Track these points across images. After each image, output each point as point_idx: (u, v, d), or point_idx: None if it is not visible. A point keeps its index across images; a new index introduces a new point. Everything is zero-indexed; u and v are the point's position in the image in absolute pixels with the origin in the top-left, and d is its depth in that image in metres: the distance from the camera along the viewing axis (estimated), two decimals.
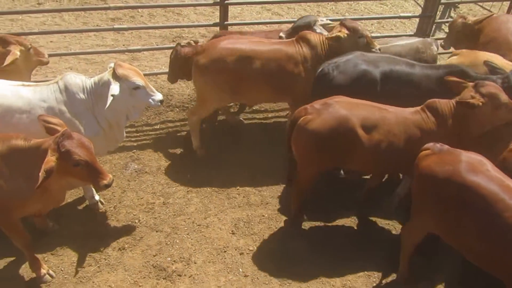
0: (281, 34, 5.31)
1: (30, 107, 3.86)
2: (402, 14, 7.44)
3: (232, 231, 4.51)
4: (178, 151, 5.55)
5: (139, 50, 6.76)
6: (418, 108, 4.06)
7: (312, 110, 3.98)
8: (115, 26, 6.30)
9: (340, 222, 4.70)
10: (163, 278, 3.98)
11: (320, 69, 4.60)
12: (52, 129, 3.33)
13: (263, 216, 4.72)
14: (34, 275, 3.83)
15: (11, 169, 3.22)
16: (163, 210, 4.66)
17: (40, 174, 2.97)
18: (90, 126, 4.05)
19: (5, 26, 8.03)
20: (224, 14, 5.95)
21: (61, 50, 7.31)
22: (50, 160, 3.08)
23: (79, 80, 4.03)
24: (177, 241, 4.33)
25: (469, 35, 5.80)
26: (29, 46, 4.48)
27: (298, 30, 5.11)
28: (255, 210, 4.78)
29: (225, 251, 4.29)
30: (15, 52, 4.28)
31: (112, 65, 4.03)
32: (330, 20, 5.51)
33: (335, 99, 4.09)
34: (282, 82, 4.85)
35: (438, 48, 5.66)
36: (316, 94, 4.47)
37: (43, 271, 3.79)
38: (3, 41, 4.33)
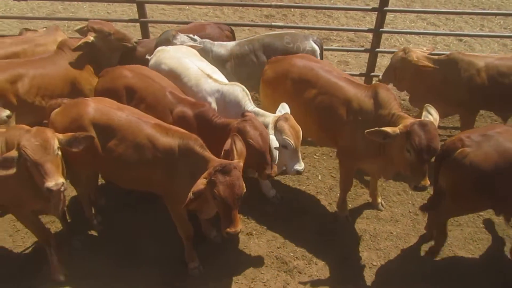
0: (147, 56, 4.98)
1: (200, 95, 4.28)
2: None
3: (356, 241, 4.42)
4: (316, 151, 5.62)
5: None
6: None
7: (470, 142, 3.53)
8: (272, 23, 6.61)
9: (473, 251, 4.32)
10: (284, 271, 4.10)
11: None
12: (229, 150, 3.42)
13: (391, 233, 4.53)
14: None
15: (182, 165, 3.43)
16: (292, 206, 4.77)
17: (189, 194, 3.14)
18: None
19: (174, 14, 9.02)
20: (381, 21, 5.80)
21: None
22: (201, 183, 3.14)
23: (241, 96, 4.14)
24: (302, 238, 4.40)
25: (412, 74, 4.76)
26: (109, 32, 5.01)
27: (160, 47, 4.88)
28: (383, 226, 4.61)
29: (346, 260, 4.24)
30: (89, 37, 4.89)
31: (283, 111, 4.03)
32: None
33: (496, 129, 3.62)
34: (328, 122, 4.21)
35: (319, 46, 5.08)
36: None
37: (194, 264, 4.02)
38: (87, 28, 4.99)
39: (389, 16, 8.73)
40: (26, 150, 3.10)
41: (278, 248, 4.31)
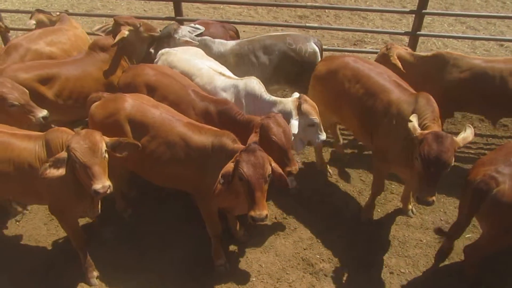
0: (151, 49, 5.16)
1: (214, 92, 4.39)
2: None
3: (384, 247, 4.35)
4: (345, 154, 5.56)
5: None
6: None
7: (503, 178, 3.31)
8: (307, 24, 6.58)
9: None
10: (310, 273, 4.07)
11: None
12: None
13: (421, 241, 4.42)
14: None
15: (215, 162, 3.40)
16: (320, 208, 4.74)
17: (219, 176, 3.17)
18: None
19: (208, 13, 9.11)
20: (418, 23, 5.68)
21: None
22: (229, 166, 3.18)
23: (257, 88, 4.32)
24: (329, 241, 4.36)
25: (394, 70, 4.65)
26: (139, 25, 5.12)
27: (163, 42, 5.09)
28: (413, 233, 4.51)
29: (373, 265, 4.17)
30: (124, 31, 4.94)
31: (297, 95, 4.28)
32: None
33: None
34: (368, 121, 4.23)
35: (319, 48, 5.14)
36: None
37: (221, 261, 4.04)
38: (117, 24, 5.09)
39: (426, 19, 8.52)
40: (75, 153, 3.13)
41: (304, 249, 4.29)
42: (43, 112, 4.07)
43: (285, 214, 4.65)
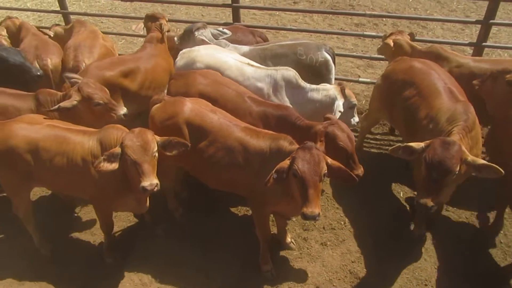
0: (175, 38, 5.32)
1: (247, 83, 4.51)
2: None
3: (437, 266, 4.16)
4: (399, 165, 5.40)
5: (377, 59, 6.77)
6: None
7: None
8: (364, 33, 6.47)
9: None
10: (356, 287, 3.98)
11: None
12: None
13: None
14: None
15: (272, 165, 3.24)
16: (370, 220, 4.61)
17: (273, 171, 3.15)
18: None
19: (264, 19, 9.21)
20: (485, 34, 5.42)
21: None
22: (284, 163, 3.17)
23: (293, 78, 4.50)
24: (378, 256, 4.23)
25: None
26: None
27: (185, 35, 5.25)
28: None
29: (426, 284, 4.00)
30: (166, 23, 5.44)
31: (330, 87, 4.55)
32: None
33: None
34: (411, 124, 4.25)
35: (331, 55, 5.08)
36: None
37: (267, 267, 4.01)
38: (154, 17, 5.52)
39: (492, 29, 8.14)
40: (128, 149, 3.27)
41: (352, 262, 4.19)
42: (124, 110, 4.27)
43: (333, 225, 4.58)
